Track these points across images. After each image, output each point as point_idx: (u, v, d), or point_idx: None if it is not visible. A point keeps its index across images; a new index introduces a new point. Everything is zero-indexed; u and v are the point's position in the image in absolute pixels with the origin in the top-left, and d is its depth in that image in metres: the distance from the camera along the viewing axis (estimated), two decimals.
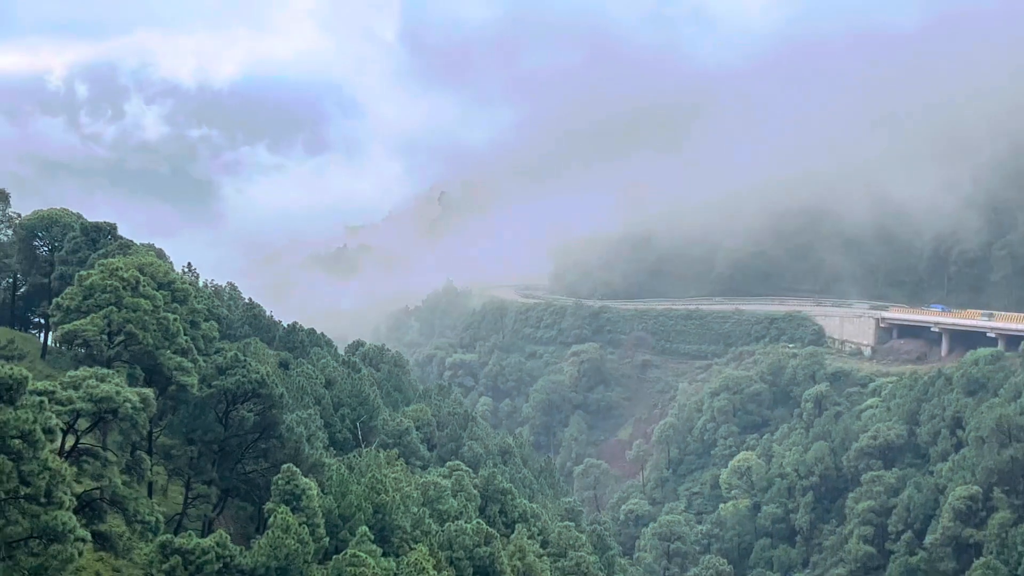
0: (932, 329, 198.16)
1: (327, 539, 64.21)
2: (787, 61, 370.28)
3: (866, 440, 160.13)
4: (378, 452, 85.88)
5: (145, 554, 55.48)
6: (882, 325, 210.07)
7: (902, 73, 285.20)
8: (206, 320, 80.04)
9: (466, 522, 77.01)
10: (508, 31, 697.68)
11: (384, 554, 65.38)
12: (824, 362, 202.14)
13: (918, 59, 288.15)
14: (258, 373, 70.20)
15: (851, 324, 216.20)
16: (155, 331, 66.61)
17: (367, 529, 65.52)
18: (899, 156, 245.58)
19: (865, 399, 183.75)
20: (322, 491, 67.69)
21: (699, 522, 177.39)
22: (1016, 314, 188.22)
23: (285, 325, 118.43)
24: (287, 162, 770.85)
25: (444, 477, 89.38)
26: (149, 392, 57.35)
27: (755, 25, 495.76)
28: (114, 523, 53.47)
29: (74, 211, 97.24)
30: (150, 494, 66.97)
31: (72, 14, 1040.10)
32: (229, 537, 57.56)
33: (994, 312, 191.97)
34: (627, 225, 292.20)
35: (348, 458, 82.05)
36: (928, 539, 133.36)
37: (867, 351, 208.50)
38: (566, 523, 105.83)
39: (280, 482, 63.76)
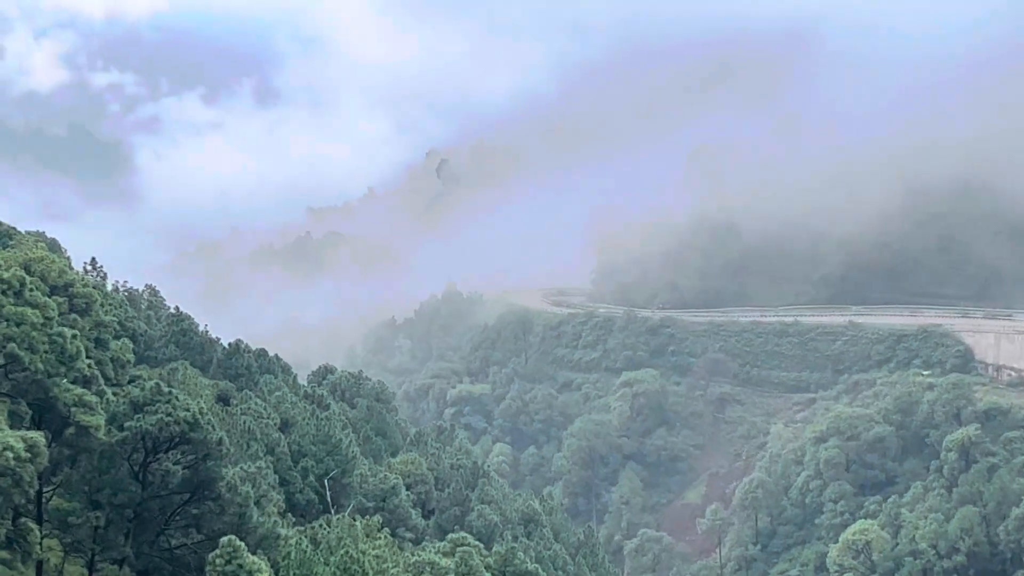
0: None
1: None
2: None
3: None
4: (354, 520, 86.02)
5: None
6: None
7: None
8: (117, 337, 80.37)
9: None
10: None
11: None
12: (973, 396, 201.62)
13: None
14: (188, 411, 70.31)
15: (1011, 343, 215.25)
16: (46, 352, 66.75)
17: None
18: None
19: None
20: (276, 573, 67.87)
21: None
22: None
23: (225, 344, 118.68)
24: (228, 118, 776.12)
25: (445, 555, 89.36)
26: (38, 436, 57.50)
27: None
28: None
29: None
30: None
31: None
32: None
33: None
34: (701, 207, 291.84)
35: (312, 528, 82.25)
36: None
37: None
38: None
39: (218, 561, 63.82)
